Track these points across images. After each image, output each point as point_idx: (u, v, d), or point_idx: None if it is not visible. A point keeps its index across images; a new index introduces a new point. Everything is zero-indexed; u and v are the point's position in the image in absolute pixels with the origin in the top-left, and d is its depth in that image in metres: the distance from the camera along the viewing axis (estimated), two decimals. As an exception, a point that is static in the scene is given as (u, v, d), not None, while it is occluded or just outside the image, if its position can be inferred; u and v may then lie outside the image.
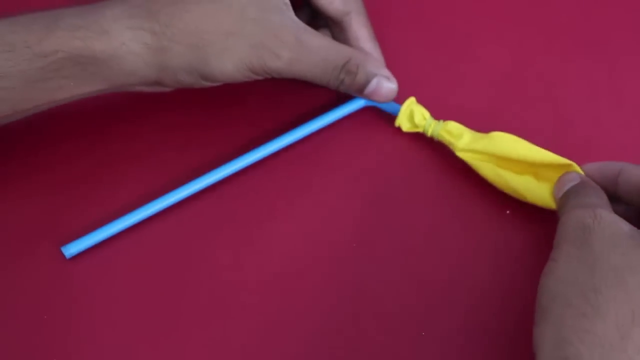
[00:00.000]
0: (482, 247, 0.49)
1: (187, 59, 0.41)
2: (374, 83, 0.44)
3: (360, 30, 0.46)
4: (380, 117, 0.53)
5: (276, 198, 0.51)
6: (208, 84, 0.43)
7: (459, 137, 0.48)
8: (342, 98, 0.51)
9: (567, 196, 0.42)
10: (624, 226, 0.37)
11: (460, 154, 0.48)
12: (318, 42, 0.43)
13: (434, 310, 0.47)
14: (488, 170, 0.48)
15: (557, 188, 0.43)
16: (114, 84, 0.42)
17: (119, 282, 0.48)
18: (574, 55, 0.57)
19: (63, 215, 0.50)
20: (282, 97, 0.54)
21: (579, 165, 0.46)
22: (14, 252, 0.49)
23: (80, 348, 0.46)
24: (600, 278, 0.35)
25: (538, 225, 0.49)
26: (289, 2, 0.43)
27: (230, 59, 0.41)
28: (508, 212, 0.50)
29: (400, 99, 0.51)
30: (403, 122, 0.50)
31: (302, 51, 0.42)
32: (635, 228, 0.38)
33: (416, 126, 0.49)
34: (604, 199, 0.41)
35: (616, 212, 0.40)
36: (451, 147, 0.48)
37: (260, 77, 0.43)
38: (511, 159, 0.47)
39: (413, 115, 0.49)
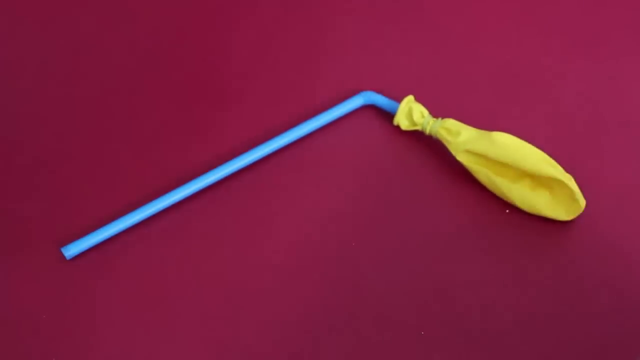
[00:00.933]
0: (481, 246, 0.49)
1: None
2: None
3: None
4: (379, 116, 0.54)
5: (274, 197, 0.52)
6: None
7: (457, 134, 0.48)
8: (342, 97, 0.51)
9: None
10: None
11: (458, 156, 0.48)
12: None
13: (433, 309, 0.47)
14: (483, 176, 0.48)
15: None
16: None
17: (119, 282, 0.48)
18: (574, 55, 0.57)
19: (63, 216, 0.51)
20: (281, 96, 0.55)
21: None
22: (13, 252, 0.49)
23: (80, 348, 0.46)
24: None
25: (536, 224, 0.50)
26: None
27: None
28: (507, 211, 0.50)
29: (399, 97, 0.51)
30: (401, 120, 0.50)
31: None
32: None
33: (414, 124, 0.50)
34: None
35: None
36: (449, 146, 0.49)
37: None
38: (509, 164, 0.47)
39: (412, 113, 0.50)
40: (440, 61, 0.56)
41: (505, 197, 0.48)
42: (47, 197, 0.51)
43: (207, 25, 0.63)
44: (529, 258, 0.49)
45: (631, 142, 0.53)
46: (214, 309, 0.48)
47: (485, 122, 0.52)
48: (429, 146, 0.52)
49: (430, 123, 0.49)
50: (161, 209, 0.49)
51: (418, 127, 0.50)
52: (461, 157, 0.48)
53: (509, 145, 0.47)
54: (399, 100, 0.51)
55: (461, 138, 0.48)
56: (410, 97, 0.50)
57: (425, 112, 0.50)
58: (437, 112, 0.52)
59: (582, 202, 0.47)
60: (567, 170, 0.51)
